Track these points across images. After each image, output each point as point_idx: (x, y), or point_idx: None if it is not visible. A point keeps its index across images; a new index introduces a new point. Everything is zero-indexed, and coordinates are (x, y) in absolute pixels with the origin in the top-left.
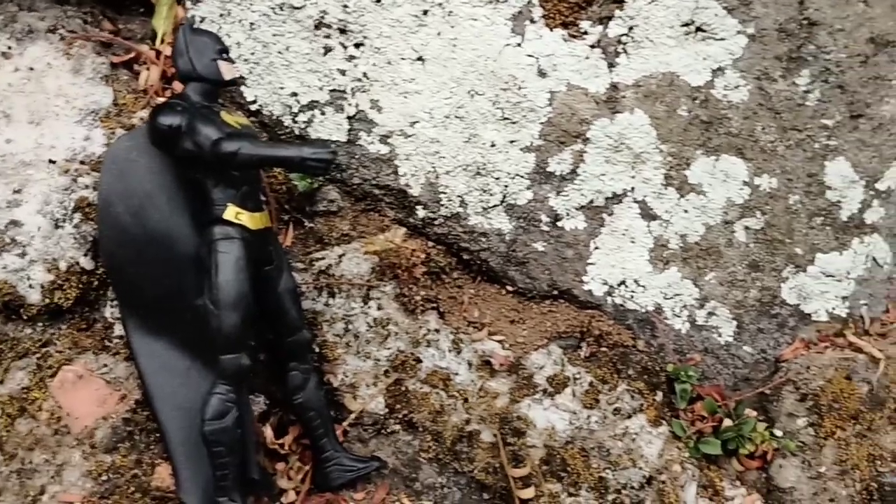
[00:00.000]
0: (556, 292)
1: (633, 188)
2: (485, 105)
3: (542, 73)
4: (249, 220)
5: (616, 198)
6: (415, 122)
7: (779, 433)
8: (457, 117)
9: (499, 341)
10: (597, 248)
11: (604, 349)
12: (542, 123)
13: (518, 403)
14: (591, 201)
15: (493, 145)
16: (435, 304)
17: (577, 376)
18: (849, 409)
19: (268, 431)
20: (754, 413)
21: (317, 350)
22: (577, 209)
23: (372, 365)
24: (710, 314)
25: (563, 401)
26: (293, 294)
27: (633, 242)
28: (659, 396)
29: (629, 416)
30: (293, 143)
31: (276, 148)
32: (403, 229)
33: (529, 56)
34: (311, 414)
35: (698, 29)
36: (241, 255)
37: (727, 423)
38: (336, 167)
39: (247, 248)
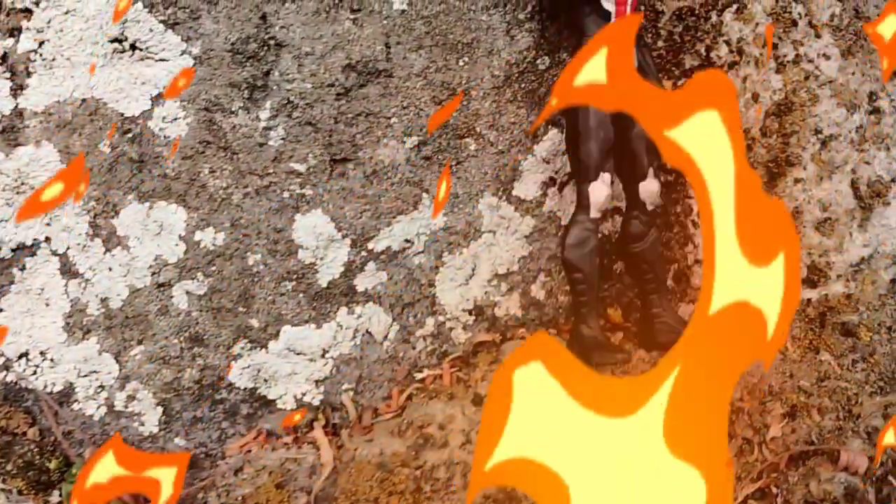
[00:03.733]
0: None
1: (48, 238)
2: None
3: None
4: None
5: (27, 249)
6: None
7: None
8: None
9: None
10: (1, 310)
11: None
12: None
13: None
14: None
15: None
16: None
17: None
18: None
19: None
20: None
21: None
22: None
23: None
24: (131, 398)
25: None
26: None
27: (47, 305)
28: (54, 498)
29: None
30: None
31: None
32: None
33: None
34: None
35: (133, 47)
36: None
37: None
38: None
39: None
